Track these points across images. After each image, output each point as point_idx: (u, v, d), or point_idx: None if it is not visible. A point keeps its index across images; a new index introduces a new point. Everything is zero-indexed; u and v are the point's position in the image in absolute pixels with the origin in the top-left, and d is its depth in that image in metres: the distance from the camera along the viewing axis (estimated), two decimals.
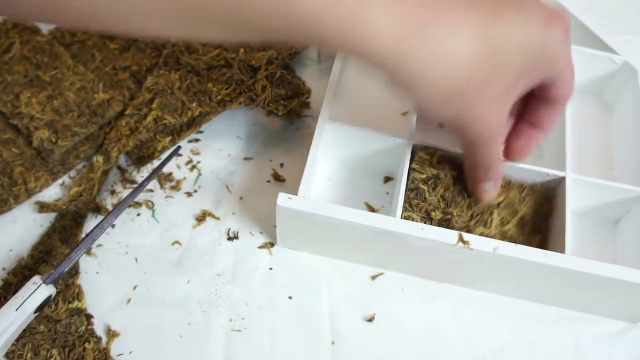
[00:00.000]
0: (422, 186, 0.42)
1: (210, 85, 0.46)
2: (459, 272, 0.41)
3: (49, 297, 0.36)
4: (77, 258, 0.38)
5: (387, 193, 0.46)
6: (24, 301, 0.35)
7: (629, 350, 0.41)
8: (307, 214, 0.38)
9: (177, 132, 0.46)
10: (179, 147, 0.46)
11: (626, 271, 0.37)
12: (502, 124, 0.37)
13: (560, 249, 0.39)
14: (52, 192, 0.44)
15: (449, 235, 0.38)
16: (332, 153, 0.46)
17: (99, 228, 0.39)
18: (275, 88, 0.44)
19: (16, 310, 0.35)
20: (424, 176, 0.42)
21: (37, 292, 0.36)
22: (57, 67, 0.47)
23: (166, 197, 0.45)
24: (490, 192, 0.41)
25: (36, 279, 0.36)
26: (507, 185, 0.44)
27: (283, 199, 0.39)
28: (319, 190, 0.46)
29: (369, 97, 0.50)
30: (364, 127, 0.44)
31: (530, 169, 0.43)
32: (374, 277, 0.42)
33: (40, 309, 0.36)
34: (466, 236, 0.38)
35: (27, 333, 0.37)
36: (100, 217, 0.43)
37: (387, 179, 0.47)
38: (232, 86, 0.45)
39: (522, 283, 0.41)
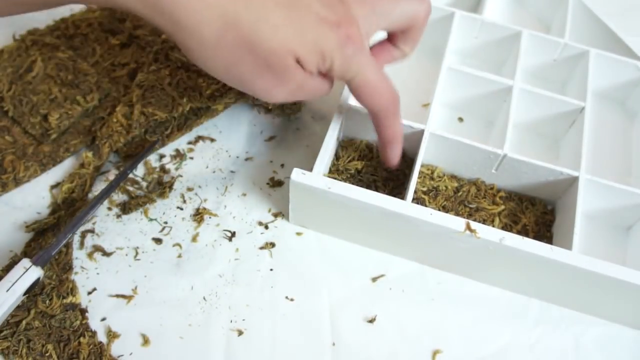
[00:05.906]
0: (423, 196, 0.44)
1: (200, 80, 0.46)
2: (465, 262, 0.41)
3: (37, 279, 0.37)
4: (64, 241, 0.39)
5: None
6: (14, 283, 0.36)
7: (629, 352, 0.41)
8: (319, 191, 0.38)
9: (166, 134, 0.46)
10: (158, 140, 0.45)
11: (633, 273, 0.37)
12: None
13: (567, 246, 0.39)
14: (48, 192, 0.44)
15: (457, 222, 0.38)
16: (350, 136, 0.46)
17: (81, 217, 0.40)
18: None
19: (7, 291, 0.36)
20: (424, 188, 0.44)
21: (26, 274, 0.36)
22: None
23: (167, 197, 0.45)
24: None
25: (25, 262, 0.37)
26: (508, 196, 0.45)
27: (297, 174, 0.38)
28: None
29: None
30: None
31: (544, 166, 0.42)
32: (374, 279, 0.42)
33: (29, 291, 0.37)
34: (473, 224, 0.38)
35: (22, 328, 0.37)
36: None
37: None
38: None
39: (527, 278, 0.41)
